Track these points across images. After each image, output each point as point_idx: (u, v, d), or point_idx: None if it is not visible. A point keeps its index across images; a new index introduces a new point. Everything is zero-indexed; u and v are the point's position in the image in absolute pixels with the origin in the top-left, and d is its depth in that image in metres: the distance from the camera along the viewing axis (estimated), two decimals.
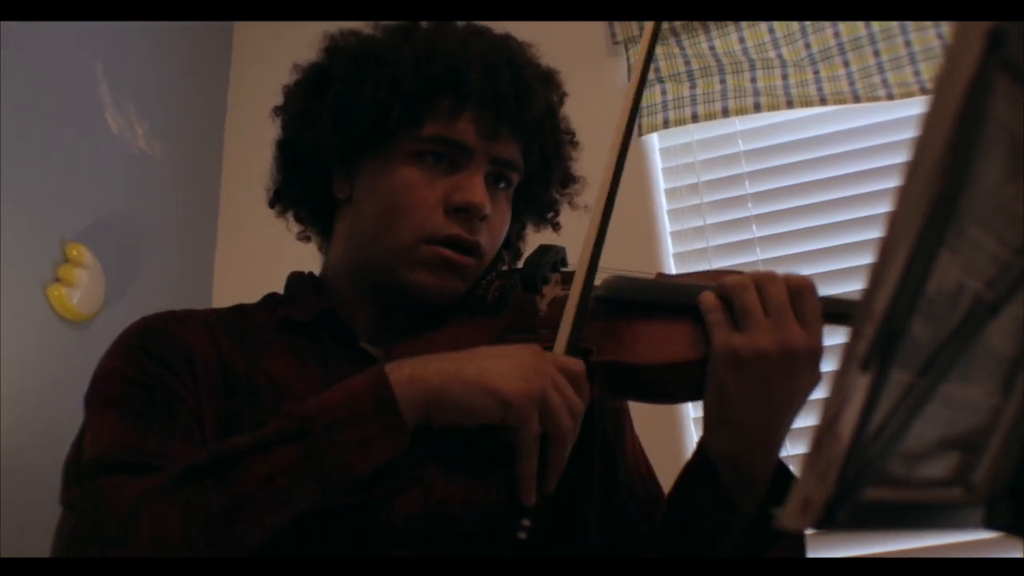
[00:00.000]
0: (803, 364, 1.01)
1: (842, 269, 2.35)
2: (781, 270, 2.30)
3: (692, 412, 2.35)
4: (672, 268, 2.49)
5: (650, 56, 1.19)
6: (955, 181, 0.56)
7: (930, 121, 0.54)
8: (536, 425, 0.98)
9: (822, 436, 0.58)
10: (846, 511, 0.58)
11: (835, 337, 1.06)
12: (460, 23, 1.31)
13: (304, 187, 1.33)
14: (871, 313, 0.56)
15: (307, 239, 1.41)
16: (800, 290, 1.02)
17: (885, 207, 1.87)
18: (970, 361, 0.65)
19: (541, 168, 1.32)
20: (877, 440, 0.59)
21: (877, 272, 0.56)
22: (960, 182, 0.57)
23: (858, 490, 0.59)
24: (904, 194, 0.56)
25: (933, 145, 0.55)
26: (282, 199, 1.37)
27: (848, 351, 0.57)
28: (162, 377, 1.11)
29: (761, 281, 1.03)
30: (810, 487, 0.57)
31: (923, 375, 0.61)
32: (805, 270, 2.32)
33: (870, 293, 0.56)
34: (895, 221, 0.56)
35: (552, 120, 1.32)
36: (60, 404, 1.95)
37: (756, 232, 2.49)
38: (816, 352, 1.02)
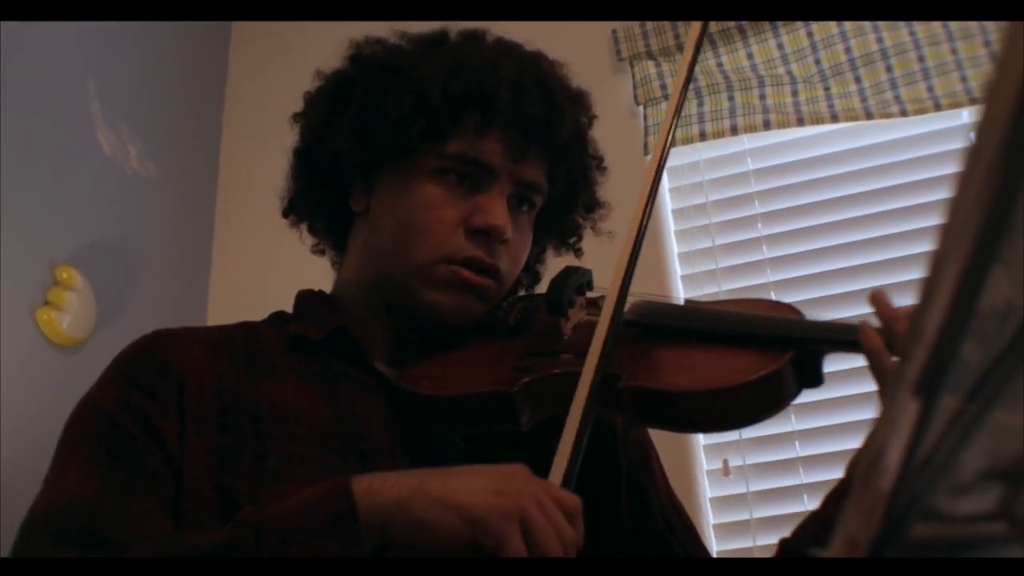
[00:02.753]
0: None
1: (856, 291, 2.29)
2: (793, 292, 2.29)
3: (703, 438, 2.29)
4: (680, 290, 2.44)
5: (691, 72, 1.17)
6: (1010, 188, 0.50)
7: (984, 125, 0.49)
8: (519, 545, 0.87)
9: (869, 469, 0.52)
10: (893, 552, 0.52)
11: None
12: (491, 39, 1.28)
13: (320, 198, 1.29)
14: (922, 333, 0.51)
15: (321, 252, 1.37)
16: None
17: (900, 227, 1.85)
18: (1017, 384, 0.60)
19: (566, 192, 1.29)
20: (924, 472, 0.54)
21: (928, 288, 0.51)
22: (1015, 189, 0.51)
23: (905, 528, 0.54)
24: (956, 204, 0.51)
25: (987, 150, 0.49)
26: (296, 209, 1.33)
27: (898, 375, 0.51)
28: (143, 413, 1.07)
29: None
30: (856, 526, 0.52)
31: (971, 400, 0.56)
32: (817, 292, 2.31)
33: (921, 311, 0.51)
34: (947, 232, 0.51)
35: (580, 143, 1.28)
36: (48, 432, 1.87)
37: (767, 253, 2.44)
38: None
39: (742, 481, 2.23)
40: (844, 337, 1.04)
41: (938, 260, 0.50)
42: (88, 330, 2.21)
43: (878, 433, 0.52)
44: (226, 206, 2.91)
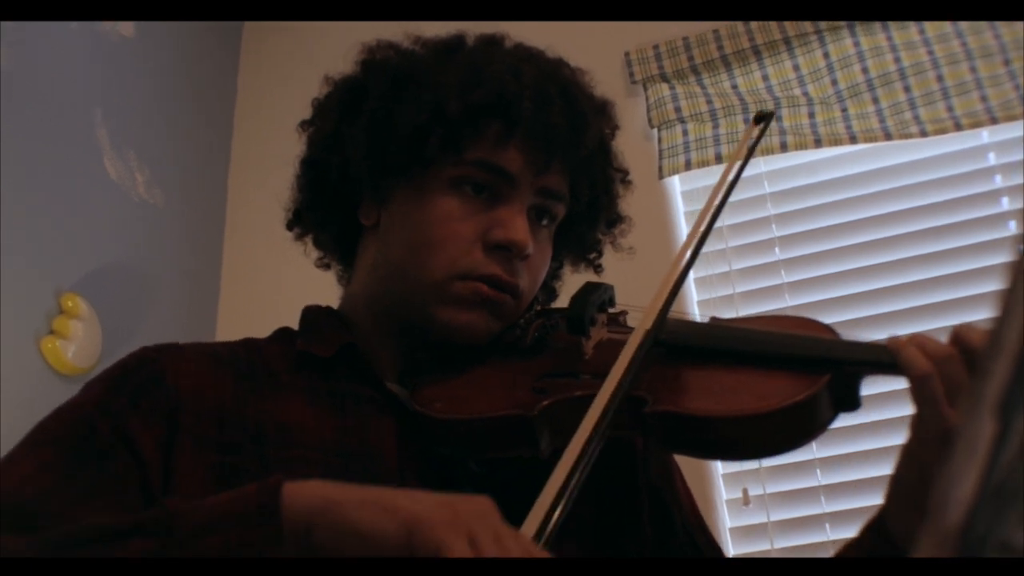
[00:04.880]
0: None
1: (876, 315, 2.26)
2: (812, 316, 2.24)
3: (722, 467, 2.25)
4: (696, 316, 2.39)
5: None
6: None
7: None
8: (466, 552, 0.75)
9: (944, 498, 0.48)
10: None
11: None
12: (510, 44, 1.22)
13: (328, 210, 1.23)
14: (1003, 348, 0.47)
15: (326, 266, 1.31)
16: None
17: (921, 249, 1.81)
18: None
19: (589, 206, 1.22)
20: (997, 499, 0.50)
21: (1008, 300, 0.46)
22: None
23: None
24: None
25: None
26: (302, 222, 1.27)
27: (973, 395, 0.47)
28: (120, 420, 1.01)
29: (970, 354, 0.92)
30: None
31: None
32: (837, 317, 2.26)
33: (1001, 324, 0.46)
34: None
35: (604, 155, 1.23)
36: None
37: (785, 277, 2.41)
38: None
39: (762, 510, 2.19)
40: (886, 359, 0.96)
41: (1018, 272, 0.46)
42: (93, 359, 2.18)
43: (951, 460, 0.48)
44: (234, 234, 2.88)
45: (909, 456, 0.97)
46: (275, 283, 2.61)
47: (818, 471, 2.17)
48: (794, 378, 0.96)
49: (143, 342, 2.32)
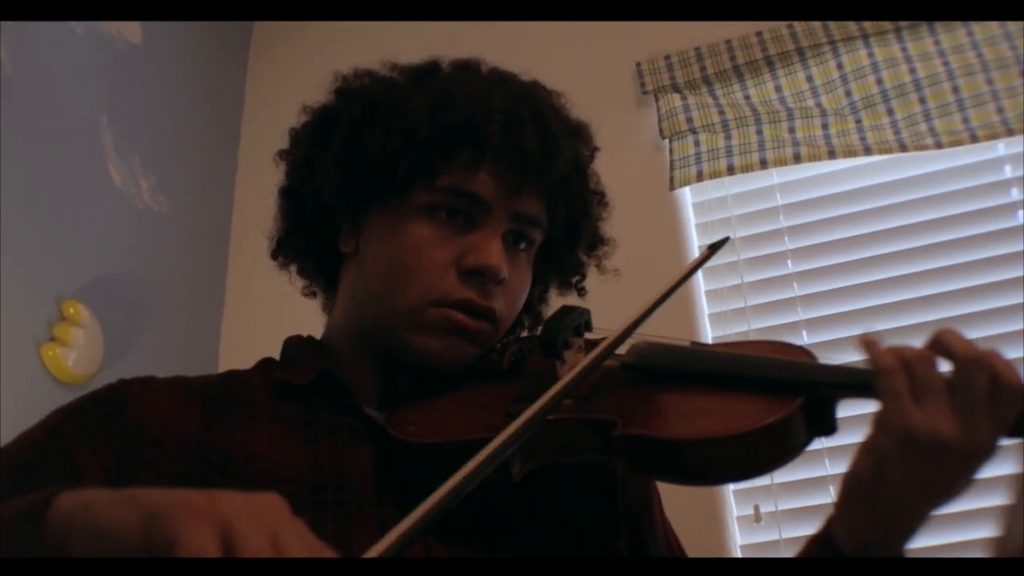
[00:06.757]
0: (979, 464, 0.90)
1: (890, 329, 2.23)
2: (824, 330, 2.21)
3: (733, 483, 2.20)
4: (708, 330, 2.38)
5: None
6: None
7: None
8: (203, 542, 0.66)
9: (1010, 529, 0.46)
10: None
11: None
12: (485, 68, 1.23)
13: (308, 239, 1.24)
14: None
15: (313, 295, 1.32)
16: (1011, 388, 0.88)
17: (935, 262, 1.77)
18: None
19: (567, 229, 1.22)
20: None
21: None
22: None
23: None
24: None
25: None
26: (284, 251, 1.28)
27: None
28: (68, 446, 1.01)
29: (978, 362, 0.89)
30: None
31: None
32: (850, 331, 2.24)
33: None
34: None
35: (580, 178, 1.22)
36: None
37: (797, 291, 2.38)
38: (992, 453, 0.90)
39: (774, 528, 2.15)
40: (857, 381, 0.96)
41: None
42: (94, 367, 2.17)
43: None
44: (240, 242, 2.86)
45: (868, 450, 0.94)
46: (280, 293, 2.57)
47: (831, 488, 2.14)
48: (766, 401, 0.94)
49: (145, 351, 2.32)
